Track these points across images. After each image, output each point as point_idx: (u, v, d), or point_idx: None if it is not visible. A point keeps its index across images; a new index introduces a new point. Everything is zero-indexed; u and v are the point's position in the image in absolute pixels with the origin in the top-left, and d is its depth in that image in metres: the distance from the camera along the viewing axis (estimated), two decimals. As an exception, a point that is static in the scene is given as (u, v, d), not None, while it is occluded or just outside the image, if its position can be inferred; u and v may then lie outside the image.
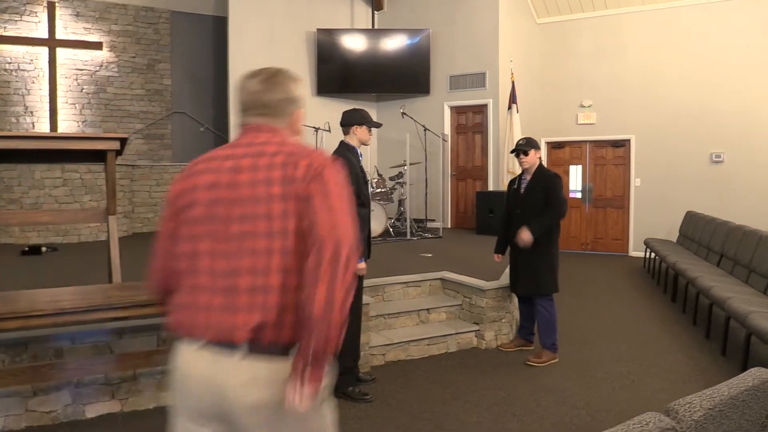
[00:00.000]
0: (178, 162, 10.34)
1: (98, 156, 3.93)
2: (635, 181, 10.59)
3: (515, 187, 4.93)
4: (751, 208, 9.48)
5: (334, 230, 1.53)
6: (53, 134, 3.33)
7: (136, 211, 9.66)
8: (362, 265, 3.89)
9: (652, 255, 8.69)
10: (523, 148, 4.78)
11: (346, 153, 3.96)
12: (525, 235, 4.59)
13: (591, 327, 5.78)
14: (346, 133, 4.07)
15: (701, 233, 7.85)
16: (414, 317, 5.09)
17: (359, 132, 4.06)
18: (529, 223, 4.62)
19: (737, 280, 5.82)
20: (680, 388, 4.11)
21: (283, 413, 1.53)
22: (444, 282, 5.54)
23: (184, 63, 10.66)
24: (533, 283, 4.75)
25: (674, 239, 9.47)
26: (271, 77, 1.76)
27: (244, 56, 9.81)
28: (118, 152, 3.89)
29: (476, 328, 5.08)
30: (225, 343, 1.56)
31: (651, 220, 10.39)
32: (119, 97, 10.17)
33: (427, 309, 5.16)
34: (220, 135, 10.67)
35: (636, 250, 10.50)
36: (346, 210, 1.60)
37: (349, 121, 4.05)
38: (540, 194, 4.70)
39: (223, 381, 1.55)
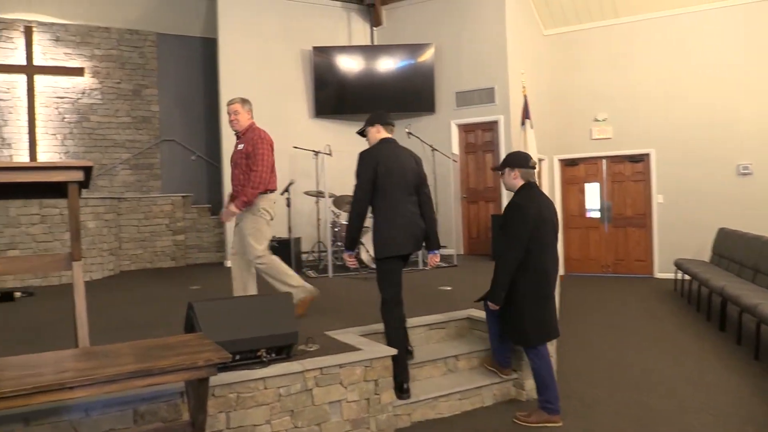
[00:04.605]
0: (168, 193, 9.64)
1: (61, 190, 3.23)
2: (657, 198, 9.93)
3: None
4: (786, 222, 8.80)
5: None
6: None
7: (124, 248, 8.94)
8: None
9: (685, 277, 7.99)
10: (498, 167, 4.11)
11: None
12: (491, 306, 3.97)
13: (637, 366, 5.04)
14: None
15: (743, 252, 7.15)
16: (441, 366, 4.35)
17: None
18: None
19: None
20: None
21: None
22: (471, 322, 4.80)
23: (173, 88, 10.01)
24: (506, 325, 4.02)
25: (706, 259, 8.77)
26: None
27: (236, 79, 9.17)
28: (83, 184, 3.18)
29: (514, 376, 4.35)
30: None
31: (677, 238, 9.70)
32: (104, 126, 9.50)
33: (455, 355, 4.42)
34: (212, 163, 9.99)
35: (663, 272, 9.79)
36: None
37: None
38: (503, 229, 3.93)
39: None
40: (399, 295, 3.99)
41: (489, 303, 3.98)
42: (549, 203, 3.96)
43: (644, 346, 5.69)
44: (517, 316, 3.86)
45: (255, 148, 4.70)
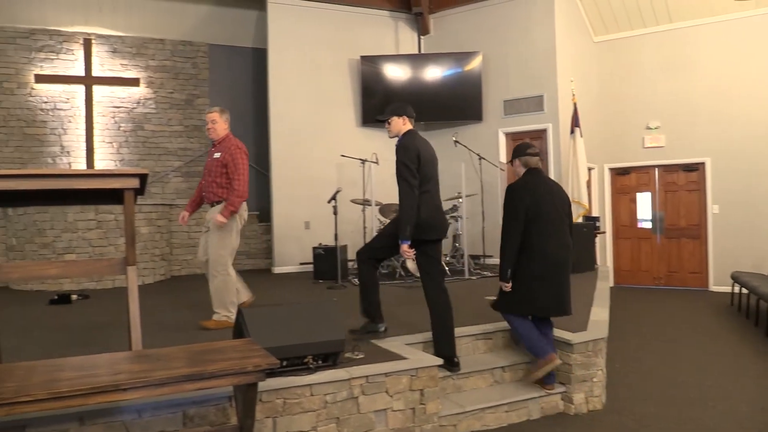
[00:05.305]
0: (218, 200, 9.82)
1: (117, 196, 3.34)
2: (713, 208, 9.61)
3: None
4: None
5: None
6: (57, 172, 2.71)
7: (174, 254, 9.15)
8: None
9: (742, 290, 7.70)
10: (510, 161, 4.37)
11: None
12: (504, 287, 4.19)
13: (692, 382, 4.87)
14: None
15: (804, 266, 6.86)
16: (487, 377, 4.29)
17: None
18: None
19: None
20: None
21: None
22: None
23: (223, 97, 10.22)
24: None
25: (765, 272, 8.44)
26: None
27: (285, 88, 9.32)
28: (138, 191, 3.28)
29: (562, 389, 4.26)
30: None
31: (733, 250, 9.36)
32: (157, 135, 9.78)
33: (502, 366, 4.36)
34: (261, 171, 10.15)
35: (718, 285, 9.46)
36: None
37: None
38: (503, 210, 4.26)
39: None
40: (444, 275, 4.27)
41: (500, 283, 4.17)
42: (553, 188, 4.14)
43: (699, 362, 5.50)
44: (517, 283, 4.11)
45: (233, 158, 4.78)
